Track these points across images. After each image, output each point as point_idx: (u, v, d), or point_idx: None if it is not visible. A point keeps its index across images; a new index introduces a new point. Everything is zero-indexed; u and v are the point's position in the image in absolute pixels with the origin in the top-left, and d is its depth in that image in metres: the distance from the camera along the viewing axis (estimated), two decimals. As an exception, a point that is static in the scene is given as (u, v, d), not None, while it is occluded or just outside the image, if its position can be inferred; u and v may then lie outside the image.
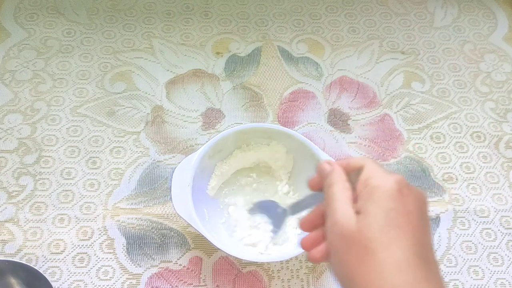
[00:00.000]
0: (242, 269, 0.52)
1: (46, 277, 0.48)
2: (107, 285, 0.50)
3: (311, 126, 0.63)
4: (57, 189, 0.55)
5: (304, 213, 0.39)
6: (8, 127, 0.59)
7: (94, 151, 0.58)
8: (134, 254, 0.52)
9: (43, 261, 0.51)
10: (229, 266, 0.52)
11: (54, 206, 0.54)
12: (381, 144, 0.62)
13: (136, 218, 0.54)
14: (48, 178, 0.56)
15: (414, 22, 0.75)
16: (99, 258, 0.51)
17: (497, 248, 0.55)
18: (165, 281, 0.51)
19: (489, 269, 0.53)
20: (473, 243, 0.55)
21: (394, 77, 0.68)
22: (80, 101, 0.62)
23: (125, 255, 0.52)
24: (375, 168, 0.32)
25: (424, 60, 0.70)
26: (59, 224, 0.53)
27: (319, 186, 0.35)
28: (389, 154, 0.61)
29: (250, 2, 0.75)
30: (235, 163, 0.54)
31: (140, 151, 0.59)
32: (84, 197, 0.55)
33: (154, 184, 0.56)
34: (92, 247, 0.52)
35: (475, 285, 0.52)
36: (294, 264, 0.52)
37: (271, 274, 0.52)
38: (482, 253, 0.54)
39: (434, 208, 0.57)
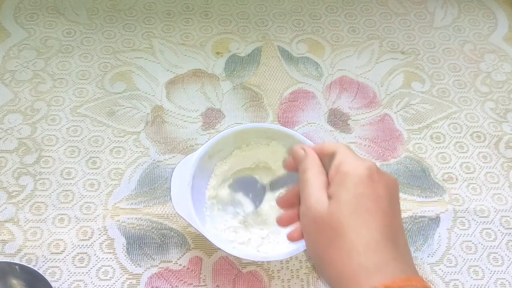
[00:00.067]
0: (242, 269, 0.52)
1: (47, 278, 0.48)
2: (107, 285, 0.50)
3: (311, 126, 0.63)
4: (57, 189, 0.55)
5: (282, 190, 0.40)
6: (8, 127, 0.59)
7: (94, 151, 0.58)
8: (134, 254, 0.52)
9: (43, 261, 0.51)
10: (229, 266, 0.52)
11: (54, 206, 0.54)
12: (381, 144, 0.62)
13: (136, 218, 0.54)
14: (48, 178, 0.56)
15: (414, 22, 0.75)
16: (99, 258, 0.51)
17: (497, 248, 0.55)
18: (165, 281, 0.51)
19: (489, 269, 0.53)
20: (473, 243, 0.55)
21: (394, 77, 0.68)
22: (80, 101, 0.62)
23: (125, 255, 0.52)
24: (347, 154, 0.33)
25: (424, 60, 0.70)
26: (59, 224, 0.53)
27: (295, 168, 0.36)
28: (389, 154, 0.61)
29: (250, 2, 0.75)
30: (235, 163, 0.54)
31: (140, 151, 0.59)
32: (84, 197, 0.55)
33: (154, 184, 0.56)
34: (92, 247, 0.52)
35: (475, 285, 0.52)
36: (294, 264, 0.52)
37: (271, 274, 0.52)
38: (482, 253, 0.54)
39: (434, 208, 0.57)
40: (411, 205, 0.57)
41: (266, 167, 0.55)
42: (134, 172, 0.57)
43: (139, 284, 0.50)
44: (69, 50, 0.67)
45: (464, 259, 0.54)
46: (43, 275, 0.48)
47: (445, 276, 0.53)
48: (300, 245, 0.47)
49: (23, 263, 0.50)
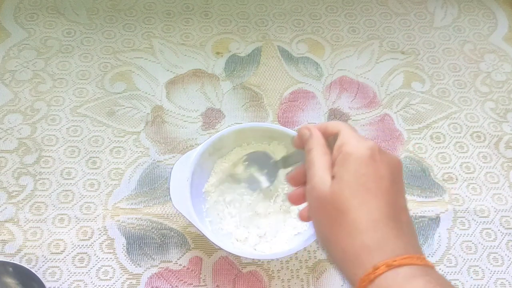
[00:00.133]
0: (242, 269, 0.52)
1: (46, 278, 0.48)
2: (107, 285, 0.50)
3: (311, 126, 0.63)
4: (57, 189, 0.55)
5: (294, 167, 0.40)
6: (8, 127, 0.59)
7: (94, 151, 0.58)
8: (134, 254, 0.52)
9: (43, 261, 0.51)
10: (229, 266, 0.52)
11: (54, 206, 0.54)
12: (381, 144, 0.62)
13: (136, 218, 0.54)
14: (48, 178, 0.56)
15: (414, 22, 0.75)
16: (99, 258, 0.51)
17: (497, 248, 0.55)
18: (165, 281, 0.51)
19: (489, 269, 0.53)
20: (473, 243, 0.55)
21: (394, 77, 0.68)
22: (80, 101, 0.62)
23: (125, 255, 0.52)
24: (350, 134, 0.33)
25: (424, 60, 0.70)
26: (59, 224, 0.53)
27: (302, 147, 0.37)
28: (389, 154, 0.61)
29: (250, 2, 0.75)
30: (235, 161, 0.54)
31: (140, 151, 0.59)
32: (84, 197, 0.55)
33: (154, 184, 0.56)
34: (92, 247, 0.52)
35: (475, 285, 0.52)
36: (294, 264, 0.52)
37: (271, 274, 0.52)
38: (482, 253, 0.54)
39: (434, 208, 0.57)
40: (411, 205, 0.57)
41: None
42: (134, 172, 0.57)
43: (139, 284, 0.50)
44: (69, 50, 0.67)
45: (464, 259, 0.54)
46: (36, 274, 0.47)
47: (445, 276, 0.53)
48: (300, 243, 0.48)
49: (23, 263, 0.50)
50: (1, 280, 0.47)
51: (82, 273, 0.51)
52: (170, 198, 0.47)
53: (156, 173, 0.57)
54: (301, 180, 0.36)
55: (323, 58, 0.69)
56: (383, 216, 0.30)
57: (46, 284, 0.49)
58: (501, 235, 0.56)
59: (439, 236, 0.55)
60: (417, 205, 0.57)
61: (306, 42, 0.71)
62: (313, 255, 0.53)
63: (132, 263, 0.51)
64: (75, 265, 0.51)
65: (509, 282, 0.53)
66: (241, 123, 0.62)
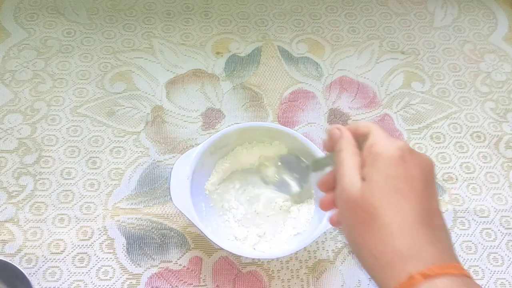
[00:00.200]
0: (242, 269, 0.52)
1: (26, 274, 0.46)
2: (107, 285, 0.50)
3: (311, 126, 0.63)
4: (57, 189, 0.55)
5: (325, 171, 0.39)
6: (8, 127, 0.59)
7: (94, 151, 0.58)
8: (134, 254, 0.52)
9: (43, 261, 0.51)
10: (229, 266, 0.52)
11: (54, 206, 0.54)
12: (381, 144, 0.62)
13: (136, 218, 0.54)
14: (48, 178, 0.56)
15: (414, 22, 0.75)
16: (99, 258, 0.51)
17: (497, 248, 0.55)
18: (165, 281, 0.51)
19: (489, 269, 0.53)
20: (473, 243, 0.55)
21: (394, 77, 0.68)
22: (80, 101, 0.62)
23: (125, 255, 0.52)
24: (380, 134, 0.32)
25: (424, 60, 0.70)
26: (59, 224, 0.53)
27: (332, 149, 0.36)
28: (389, 154, 0.61)
29: (250, 2, 0.75)
30: (236, 160, 0.54)
31: (140, 151, 0.59)
32: (84, 197, 0.55)
33: (154, 184, 0.56)
34: (92, 247, 0.52)
35: (475, 285, 0.52)
36: (294, 264, 0.52)
37: (271, 274, 0.52)
38: (482, 253, 0.54)
39: (434, 208, 0.57)
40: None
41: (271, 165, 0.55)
42: (134, 172, 0.57)
43: (139, 284, 0.50)
44: (69, 50, 0.67)
45: (464, 259, 0.54)
46: (19, 268, 0.46)
47: (445, 276, 0.53)
48: (300, 244, 0.48)
49: (23, 263, 0.50)
50: None
51: (82, 273, 0.51)
52: (170, 196, 0.47)
53: (156, 173, 0.57)
54: (331, 185, 0.35)
55: (323, 58, 0.69)
56: (416, 220, 0.28)
57: (46, 284, 0.49)
58: (501, 235, 0.56)
59: (439, 236, 0.55)
60: (417, 205, 0.57)
61: (306, 42, 0.71)
62: (313, 255, 0.53)
63: (132, 263, 0.51)
64: (75, 265, 0.51)
65: (509, 282, 0.53)
66: (241, 123, 0.62)
